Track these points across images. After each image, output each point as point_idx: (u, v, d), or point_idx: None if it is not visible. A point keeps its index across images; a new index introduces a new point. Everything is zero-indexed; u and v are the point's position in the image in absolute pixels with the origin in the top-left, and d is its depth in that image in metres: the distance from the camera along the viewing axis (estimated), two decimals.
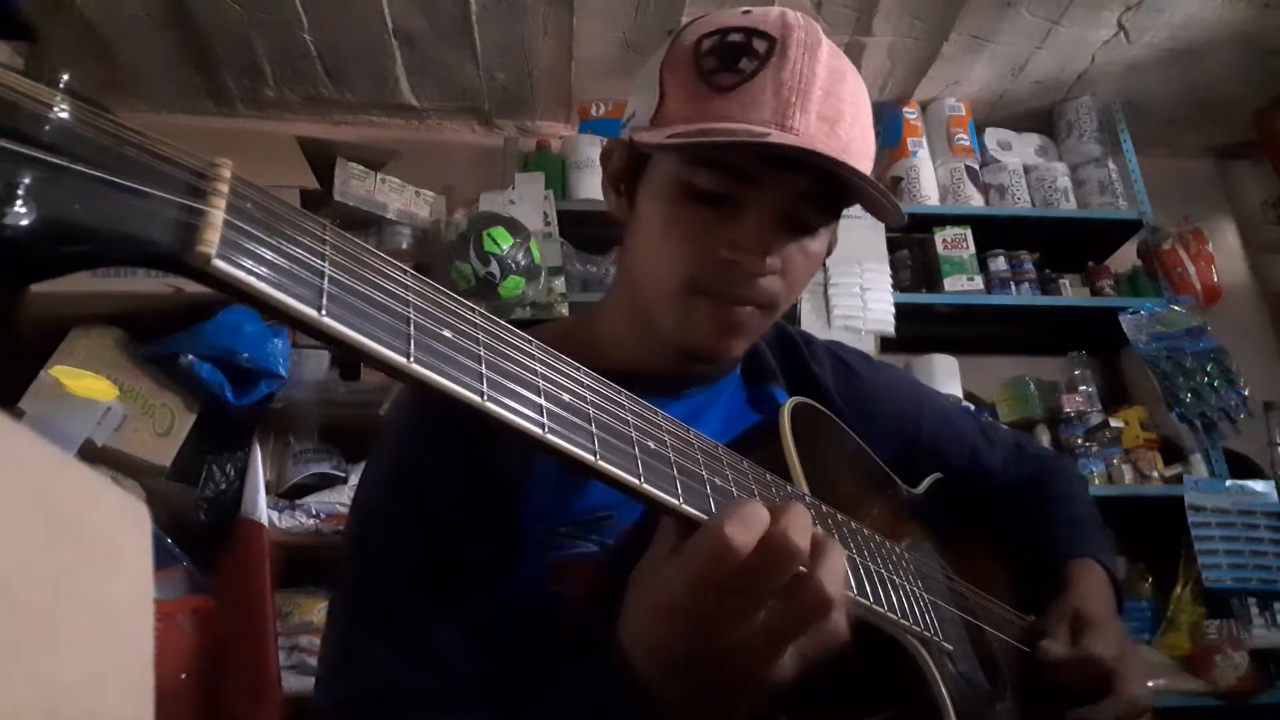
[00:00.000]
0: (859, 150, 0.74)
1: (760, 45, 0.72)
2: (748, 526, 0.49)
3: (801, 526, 0.50)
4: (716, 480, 0.54)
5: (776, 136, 0.68)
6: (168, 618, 1.94)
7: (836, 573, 0.52)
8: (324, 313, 0.35)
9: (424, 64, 2.79)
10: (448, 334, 0.42)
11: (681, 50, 0.75)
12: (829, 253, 0.84)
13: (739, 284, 0.74)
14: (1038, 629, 0.87)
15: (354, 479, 2.31)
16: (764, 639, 0.51)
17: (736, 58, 0.72)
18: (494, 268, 2.33)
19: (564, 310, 2.51)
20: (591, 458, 0.46)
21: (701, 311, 0.75)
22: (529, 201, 2.63)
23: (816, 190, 0.72)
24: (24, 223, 0.25)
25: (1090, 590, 0.90)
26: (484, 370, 0.42)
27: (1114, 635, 0.83)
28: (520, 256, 2.37)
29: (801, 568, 0.51)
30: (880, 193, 0.71)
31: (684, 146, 0.70)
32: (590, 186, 2.74)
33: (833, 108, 0.71)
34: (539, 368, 0.47)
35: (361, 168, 2.76)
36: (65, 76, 0.27)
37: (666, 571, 0.52)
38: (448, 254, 2.42)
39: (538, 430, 0.44)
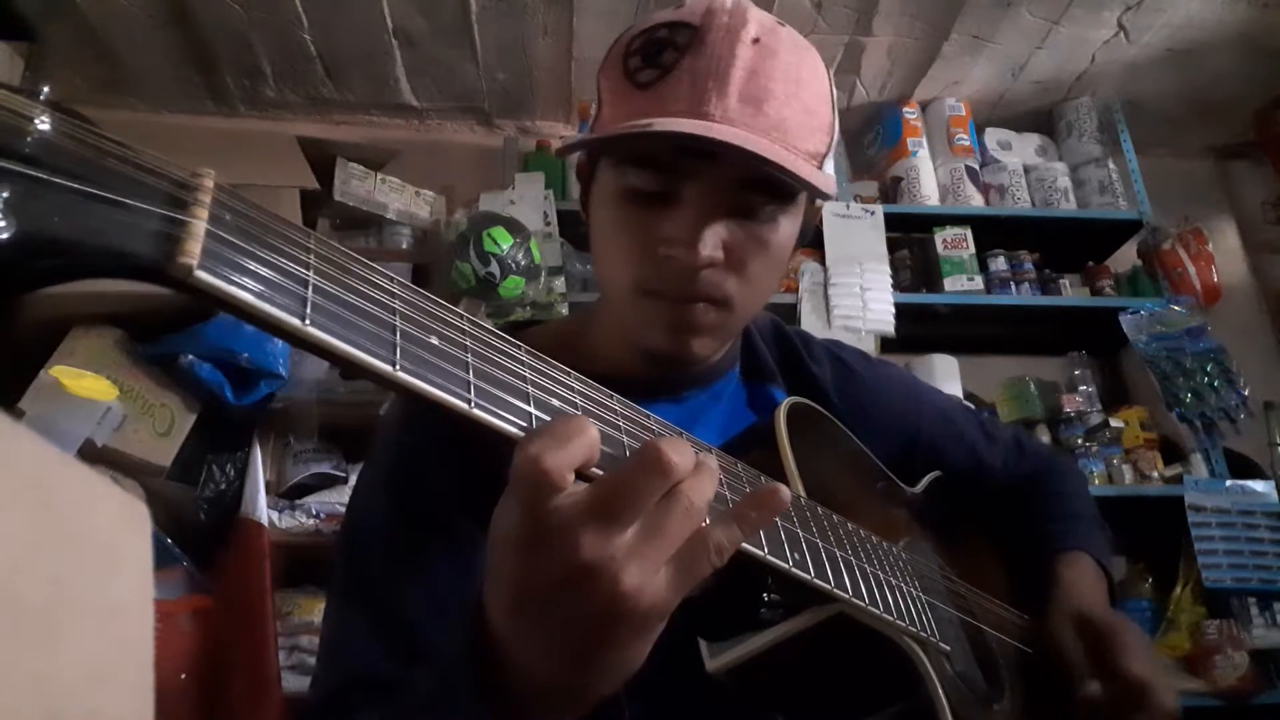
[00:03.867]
0: (797, 125, 0.71)
1: (681, 37, 0.71)
2: (562, 445, 0.41)
3: (672, 448, 0.43)
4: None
5: (662, 124, 0.66)
6: (168, 618, 1.94)
7: (703, 489, 0.45)
8: (308, 322, 0.35)
9: (424, 64, 2.79)
10: (434, 341, 0.42)
11: (614, 54, 0.75)
12: (805, 240, 0.82)
13: (680, 280, 0.72)
14: (1040, 636, 0.86)
15: (354, 479, 2.32)
16: (627, 556, 0.42)
17: (659, 53, 0.71)
18: (494, 268, 2.33)
19: (564, 310, 2.51)
20: None
21: (653, 313, 0.74)
22: (529, 201, 2.63)
23: (756, 176, 0.70)
24: (3, 237, 0.25)
25: (1080, 581, 0.88)
26: (471, 377, 0.42)
27: (1136, 644, 0.79)
28: (520, 256, 2.37)
29: (674, 481, 0.44)
30: (790, 176, 0.68)
31: (577, 146, 0.71)
32: None
33: (759, 86, 0.69)
34: (528, 373, 0.47)
35: (361, 168, 2.77)
36: (45, 89, 0.28)
37: (503, 500, 0.45)
38: (448, 254, 2.42)
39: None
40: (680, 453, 0.43)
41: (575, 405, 0.48)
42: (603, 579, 0.42)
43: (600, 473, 0.44)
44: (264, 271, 0.35)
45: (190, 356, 2.13)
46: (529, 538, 0.42)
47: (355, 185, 2.73)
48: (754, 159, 0.66)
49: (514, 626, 0.45)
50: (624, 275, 0.75)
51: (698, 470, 0.45)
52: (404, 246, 2.76)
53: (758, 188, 0.71)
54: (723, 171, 0.70)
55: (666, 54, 0.70)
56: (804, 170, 0.69)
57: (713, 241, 0.70)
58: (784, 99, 0.70)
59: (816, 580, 0.57)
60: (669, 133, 0.66)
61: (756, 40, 0.70)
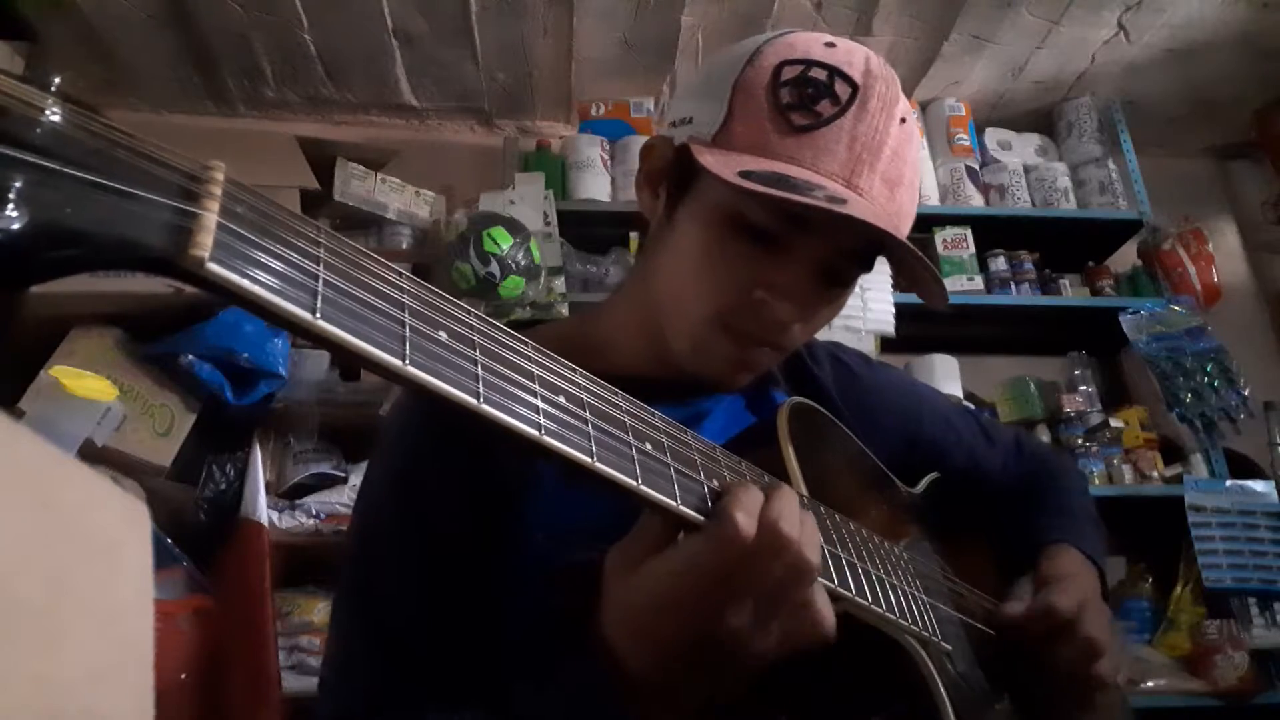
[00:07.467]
0: (907, 214, 0.74)
1: (843, 90, 0.69)
2: (750, 515, 0.51)
3: (791, 509, 0.53)
4: (714, 483, 0.54)
5: (853, 206, 0.65)
6: (168, 618, 1.94)
7: (813, 542, 0.54)
8: (318, 315, 0.35)
9: (424, 64, 2.79)
10: (443, 336, 0.41)
11: (759, 73, 0.71)
12: None
13: (767, 326, 0.72)
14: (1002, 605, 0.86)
15: (354, 479, 2.32)
16: (754, 618, 0.52)
17: (816, 98, 0.69)
18: (494, 268, 2.33)
19: (564, 310, 2.50)
20: (589, 459, 0.46)
21: (721, 346, 0.74)
22: (529, 201, 2.62)
23: (860, 247, 0.72)
24: (15, 226, 0.25)
25: (1061, 569, 0.88)
26: (480, 372, 0.42)
27: (1074, 590, 0.80)
28: (520, 256, 2.37)
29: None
30: (932, 275, 0.69)
31: (755, 192, 0.65)
32: (590, 186, 2.74)
33: (896, 170, 0.70)
34: (535, 369, 0.47)
35: (361, 168, 2.76)
36: (57, 79, 0.27)
37: (661, 567, 0.52)
38: (448, 254, 2.42)
39: (534, 432, 0.43)
40: (790, 521, 0.52)
41: (582, 402, 0.48)
42: (739, 640, 0.52)
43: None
44: (275, 264, 0.35)
45: (190, 356, 2.13)
46: (693, 606, 0.52)
47: (355, 185, 2.73)
48: (922, 264, 0.67)
49: (653, 668, 0.53)
50: (704, 303, 0.73)
51: (804, 529, 0.53)
52: (404, 246, 2.76)
53: (857, 259, 0.73)
54: (842, 238, 0.70)
55: (824, 103, 0.69)
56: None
57: (815, 301, 0.73)
58: (908, 185, 0.72)
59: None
60: (855, 219, 0.64)
61: (903, 120, 0.71)
